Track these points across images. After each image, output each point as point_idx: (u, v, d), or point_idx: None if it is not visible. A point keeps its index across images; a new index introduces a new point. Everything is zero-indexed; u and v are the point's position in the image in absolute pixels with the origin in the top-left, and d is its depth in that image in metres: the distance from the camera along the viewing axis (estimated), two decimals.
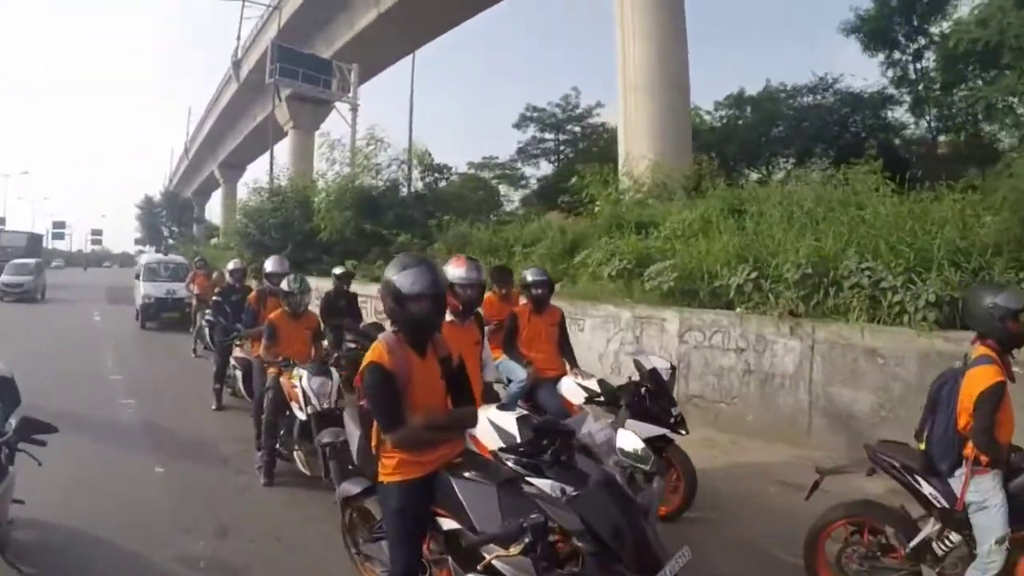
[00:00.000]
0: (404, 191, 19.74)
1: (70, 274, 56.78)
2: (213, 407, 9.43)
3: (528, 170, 39.48)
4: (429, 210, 19.21)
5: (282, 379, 6.47)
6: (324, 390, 6.11)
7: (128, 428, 8.32)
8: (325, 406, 6.05)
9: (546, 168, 38.77)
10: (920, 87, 22.81)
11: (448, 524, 3.08)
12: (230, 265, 10.79)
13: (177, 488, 6.23)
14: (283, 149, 41.10)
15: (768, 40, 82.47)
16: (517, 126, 38.87)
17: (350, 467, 4.30)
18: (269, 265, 8.09)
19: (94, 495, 5.90)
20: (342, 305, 10.26)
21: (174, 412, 9.19)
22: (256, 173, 53.25)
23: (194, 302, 15.02)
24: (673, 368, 5.67)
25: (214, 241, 51.59)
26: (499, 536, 2.76)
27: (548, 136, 39.22)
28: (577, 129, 38.40)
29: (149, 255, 22.48)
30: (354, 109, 28.84)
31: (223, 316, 9.85)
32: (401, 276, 3.10)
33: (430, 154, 19.38)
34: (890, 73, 22.97)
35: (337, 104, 30.04)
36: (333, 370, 6.44)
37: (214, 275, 15.16)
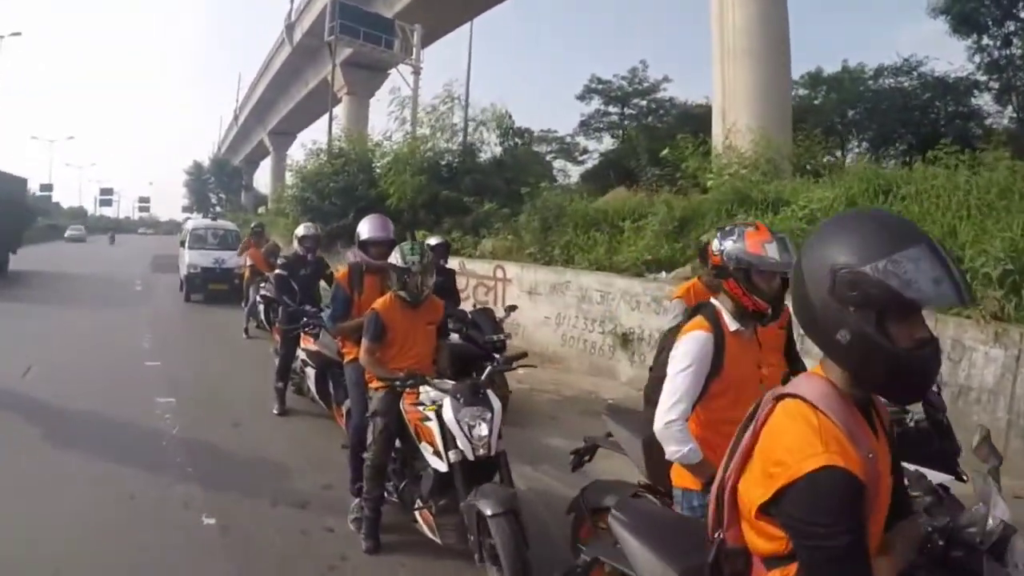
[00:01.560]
0: (481, 155, 17.10)
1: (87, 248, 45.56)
2: (275, 411, 7.18)
3: (591, 144, 37.04)
4: (508, 177, 16.69)
5: (404, 403, 4.22)
6: (481, 430, 3.79)
7: (165, 446, 6.07)
8: (481, 453, 3.77)
9: (607, 143, 36.78)
10: (1007, 74, 21.36)
11: None
12: (300, 231, 8.25)
13: (237, 552, 4.09)
14: (337, 114, 39.10)
15: (846, 16, 77.30)
16: (581, 98, 36.85)
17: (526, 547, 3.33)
18: (366, 229, 5.27)
19: (111, 553, 3.97)
20: (438, 285, 7.72)
21: (225, 418, 6.99)
22: (305, 141, 51.19)
23: (247, 274, 12.58)
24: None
25: (261, 210, 49.84)
26: None
27: (612, 110, 37.01)
28: (643, 103, 36.10)
29: (196, 220, 20.15)
30: (416, 72, 26.20)
31: (289, 295, 7.60)
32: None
33: (510, 116, 16.77)
34: (977, 59, 21.40)
35: (399, 67, 27.22)
36: (492, 395, 4.04)
37: (265, 245, 12.66)
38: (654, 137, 33.25)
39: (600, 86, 36.53)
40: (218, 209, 49.14)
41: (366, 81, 36.18)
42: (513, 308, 8.53)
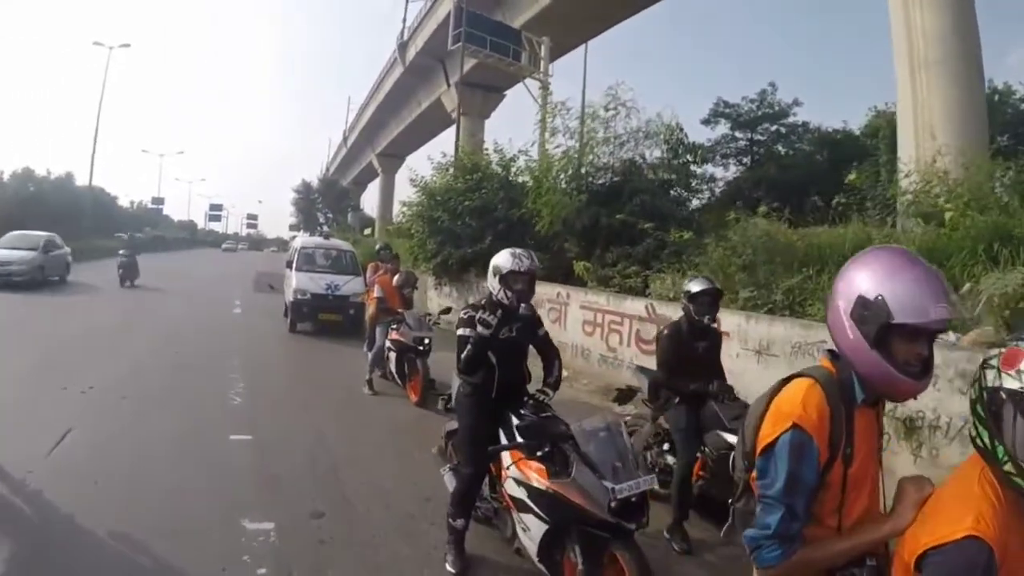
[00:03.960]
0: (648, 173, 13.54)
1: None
2: (448, 562, 4.14)
3: (718, 171, 33.35)
4: (677, 199, 13.22)
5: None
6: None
7: None
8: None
9: (732, 170, 33.30)
10: None
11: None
12: (508, 262, 4.34)
13: None
14: (449, 137, 36.76)
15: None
16: (706, 122, 33.17)
17: None
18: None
19: None
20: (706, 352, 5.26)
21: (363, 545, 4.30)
22: (415, 164, 49.40)
23: (371, 309, 9.35)
24: None
25: (367, 231, 47.72)
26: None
27: (739, 135, 33.35)
28: (773, 128, 32.33)
29: (305, 238, 17.08)
30: (545, 87, 23.08)
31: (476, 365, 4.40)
32: None
33: (682, 128, 13.21)
34: None
35: (525, 82, 24.12)
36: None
37: (400, 273, 9.31)
38: (785, 164, 30.06)
39: (727, 109, 32.92)
40: (325, 228, 47.07)
41: (481, 101, 33.89)
42: (448, 311, 9.09)
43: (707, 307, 4.98)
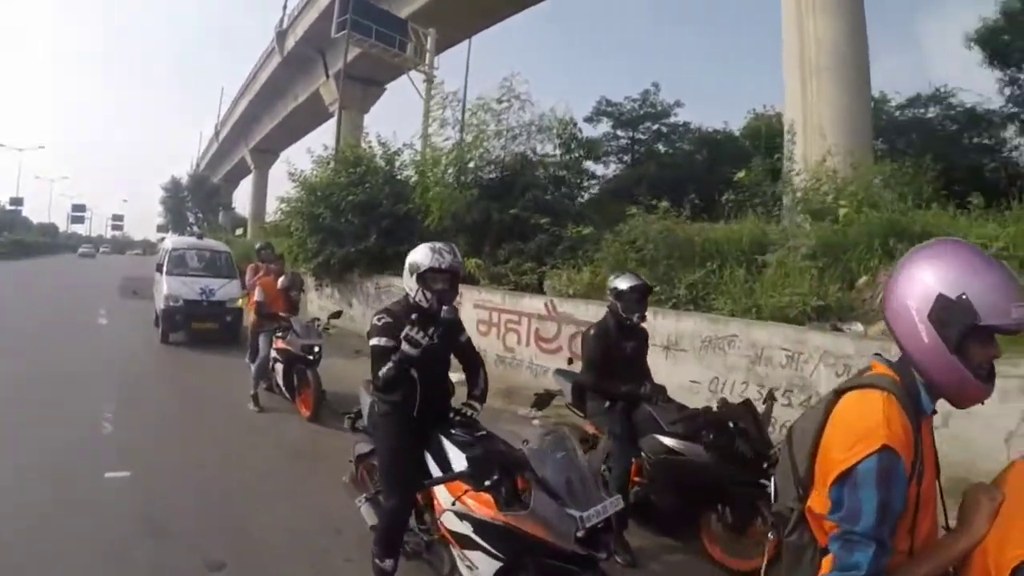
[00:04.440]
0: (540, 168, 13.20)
1: None
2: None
3: (599, 169, 33.59)
4: (569, 194, 13.00)
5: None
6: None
7: None
8: None
9: (612, 168, 33.50)
10: None
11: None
12: (427, 258, 3.67)
13: None
14: (325, 133, 35.44)
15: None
16: (589, 120, 33.28)
17: None
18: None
19: None
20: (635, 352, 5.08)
21: None
22: (291, 159, 47.45)
23: (252, 315, 8.40)
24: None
25: (239, 231, 45.50)
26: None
27: (621, 133, 33.75)
28: (655, 127, 32.94)
29: (177, 239, 15.55)
30: (429, 80, 22.39)
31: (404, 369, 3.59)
32: None
33: (575, 124, 13.00)
34: (1007, 91, 19.83)
35: (411, 74, 23.45)
36: None
37: (282, 278, 8.45)
38: (664, 164, 30.74)
39: (610, 108, 33.27)
40: (195, 228, 44.39)
41: (361, 95, 32.53)
42: (338, 315, 8.64)
43: (636, 304, 4.72)
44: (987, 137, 21.32)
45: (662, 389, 4.68)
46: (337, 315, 8.37)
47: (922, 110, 23.29)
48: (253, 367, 7.98)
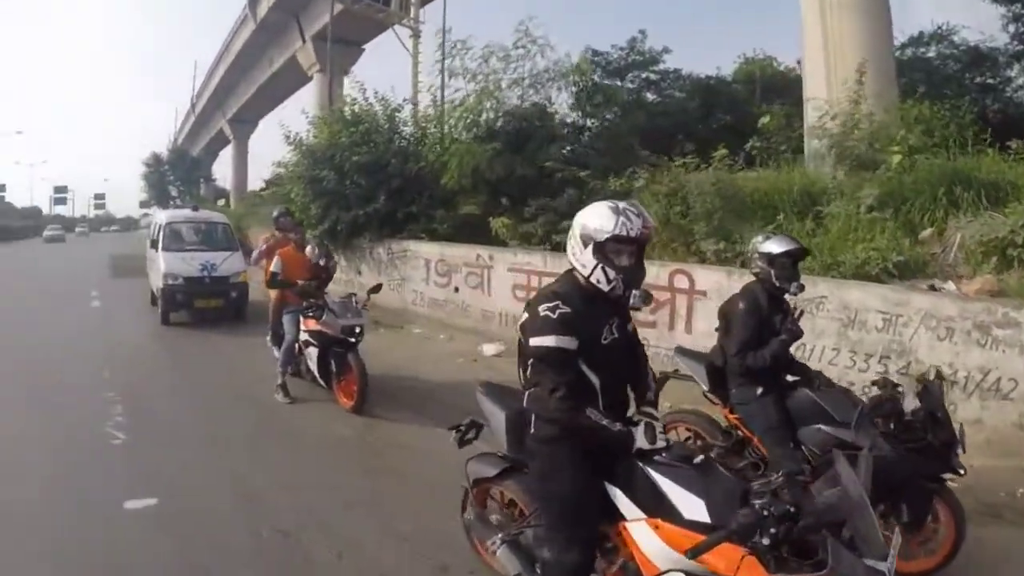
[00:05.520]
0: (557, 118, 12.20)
1: None
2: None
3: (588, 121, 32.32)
4: (596, 147, 12.32)
5: None
6: None
7: None
8: None
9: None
10: None
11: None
12: (610, 222, 2.56)
13: None
14: (304, 98, 33.93)
15: None
16: None
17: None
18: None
19: None
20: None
21: None
22: (269, 129, 46.12)
23: (273, 293, 7.27)
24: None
25: (221, 202, 43.91)
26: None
27: (609, 83, 32.38)
28: (644, 75, 31.60)
29: (171, 212, 14.14)
30: (416, 36, 20.98)
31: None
32: None
33: (595, 70, 12.19)
34: (1012, 28, 18.60)
35: (394, 28, 21.96)
36: None
37: (309, 248, 7.24)
38: (655, 112, 29.60)
39: (596, 58, 31.86)
40: (179, 202, 42.66)
41: (340, 57, 30.85)
42: (377, 288, 7.33)
43: (792, 270, 3.90)
44: (990, 76, 20.05)
45: (819, 372, 4.00)
46: (377, 289, 7.23)
47: (923, 49, 21.93)
48: (278, 352, 6.92)
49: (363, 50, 32.06)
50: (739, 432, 4.02)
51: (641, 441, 2.49)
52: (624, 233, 2.47)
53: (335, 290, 7.54)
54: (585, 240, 2.54)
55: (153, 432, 5.70)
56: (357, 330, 6.47)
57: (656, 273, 7.67)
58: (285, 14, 31.20)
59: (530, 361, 2.59)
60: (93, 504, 4.22)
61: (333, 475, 4.85)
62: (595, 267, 2.53)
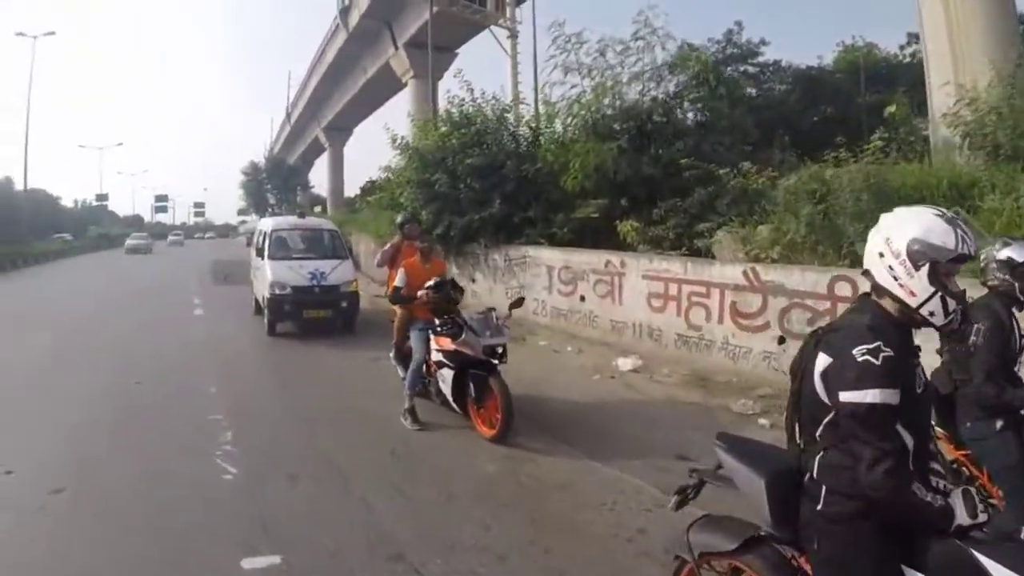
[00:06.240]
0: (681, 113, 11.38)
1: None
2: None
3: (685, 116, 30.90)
4: (723, 143, 11.33)
5: None
6: None
7: None
8: None
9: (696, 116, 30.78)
10: None
11: None
12: (948, 237, 1.93)
13: None
14: (399, 104, 34.55)
15: None
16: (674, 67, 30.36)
17: None
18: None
19: None
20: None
21: None
22: (362, 136, 46.33)
23: (398, 310, 6.48)
24: None
25: (317, 209, 44.53)
26: None
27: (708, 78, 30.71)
28: (742, 69, 29.98)
29: (277, 218, 13.71)
30: (513, 36, 20.20)
31: None
32: None
33: (718, 59, 11.27)
34: None
35: (492, 29, 21.30)
36: None
37: (430, 250, 6.43)
38: (755, 107, 28.05)
39: (693, 52, 30.35)
40: (277, 210, 43.36)
41: (434, 62, 30.67)
42: (520, 302, 6.43)
43: None
44: None
45: None
46: (519, 303, 6.35)
47: None
48: (403, 371, 6.12)
49: (456, 54, 31.94)
50: (965, 470, 3.26)
51: (962, 516, 1.89)
52: (966, 251, 1.90)
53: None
54: (917, 259, 1.90)
55: (268, 466, 4.97)
56: (500, 350, 5.64)
57: (815, 280, 6.81)
58: (377, 22, 31.36)
59: (827, 418, 1.98)
60: (205, 564, 3.54)
61: (491, 525, 3.99)
62: (932, 295, 1.90)
